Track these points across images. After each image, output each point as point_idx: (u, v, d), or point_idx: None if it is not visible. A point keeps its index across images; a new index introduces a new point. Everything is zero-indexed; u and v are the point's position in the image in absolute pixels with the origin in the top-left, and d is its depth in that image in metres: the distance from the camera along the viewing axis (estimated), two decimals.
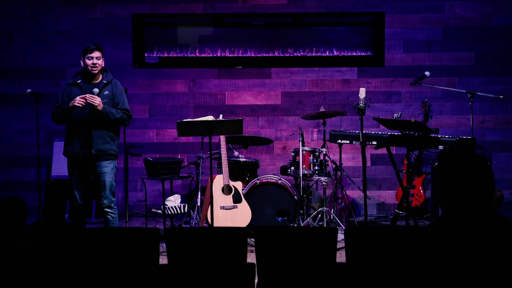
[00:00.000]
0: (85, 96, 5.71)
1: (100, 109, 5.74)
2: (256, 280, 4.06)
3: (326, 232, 4.20)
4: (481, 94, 7.08)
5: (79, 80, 5.87)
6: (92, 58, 5.83)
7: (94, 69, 5.85)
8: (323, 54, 8.13)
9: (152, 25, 8.15)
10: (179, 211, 7.00)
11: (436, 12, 8.09)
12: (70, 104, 5.73)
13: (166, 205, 6.84)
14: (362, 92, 6.23)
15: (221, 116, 6.93)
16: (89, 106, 5.75)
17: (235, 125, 5.72)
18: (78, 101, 5.69)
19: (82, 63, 5.90)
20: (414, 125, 6.16)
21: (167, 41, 8.14)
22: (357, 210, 8.08)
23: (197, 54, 8.13)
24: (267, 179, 6.95)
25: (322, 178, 6.85)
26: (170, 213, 6.84)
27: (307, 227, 6.65)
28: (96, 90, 5.78)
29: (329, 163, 7.06)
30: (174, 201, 7.11)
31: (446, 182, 2.56)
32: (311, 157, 6.88)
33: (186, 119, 5.97)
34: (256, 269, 4.06)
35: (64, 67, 8.12)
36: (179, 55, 8.13)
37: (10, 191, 7.91)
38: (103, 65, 5.93)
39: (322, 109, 7.11)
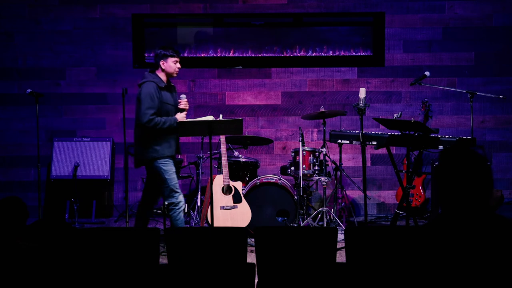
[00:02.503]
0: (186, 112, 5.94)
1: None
2: (256, 280, 4.06)
3: (326, 232, 4.20)
4: (481, 94, 7.08)
5: (163, 84, 5.88)
6: (178, 62, 5.91)
7: (177, 73, 5.94)
8: (323, 54, 8.13)
9: (152, 25, 8.15)
10: None
11: (436, 12, 8.09)
12: (180, 120, 5.81)
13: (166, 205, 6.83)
14: (362, 92, 6.23)
15: (221, 116, 6.92)
16: (174, 110, 5.91)
17: (235, 125, 5.72)
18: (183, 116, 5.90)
19: (163, 64, 5.88)
20: (414, 125, 6.16)
21: (167, 41, 8.13)
22: (357, 210, 8.08)
23: (197, 54, 8.13)
24: (267, 179, 6.95)
25: (322, 178, 6.85)
26: None
27: (307, 227, 6.65)
28: (184, 96, 5.94)
29: (329, 163, 7.06)
30: None
31: (445, 180, 2.57)
32: (311, 157, 6.87)
33: (186, 119, 5.97)
34: (256, 269, 4.06)
35: (64, 67, 8.12)
36: None
37: (10, 191, 7.91)
38: None
39: (322, 109, 7.11)
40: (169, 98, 5.92)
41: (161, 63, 5.89)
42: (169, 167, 5.87)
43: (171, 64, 5.88)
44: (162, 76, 5.92)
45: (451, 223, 2.55)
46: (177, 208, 5.88)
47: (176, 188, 5.88)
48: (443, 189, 2.58)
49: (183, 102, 5.94)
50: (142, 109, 5.74)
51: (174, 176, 5.89)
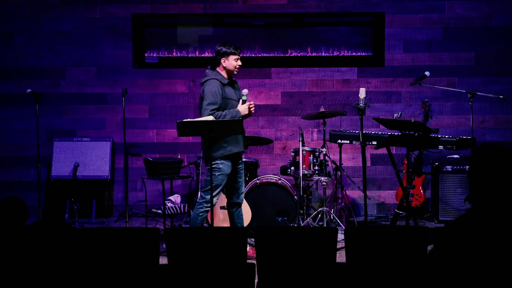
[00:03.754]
0: (252, 108, 5.83)
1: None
2: (256, 280, 4.06)
3: (326, 232, 4.20)
4: (481, 94, 7.08)
5: (226, 80, 5.84)
6: (238, 60, 5.88)
7: (237, 71, 5.91)
8: (323, 54, 8.13)
9: (152, 25, 8.15)
10: (179, 211, 7.00)
11: (436, 12, 8.08)
12: (243, 114, 5.75)
13: (166, 205, 6.84)
14: (362, 92, 6.23)
15: None
16: (237, 105, 5.84)
17: (235, 125, 5.72)
18: (246, 108, 5.80)
19: (224, 62, 5.83)
20: (414, 125, 6.16)
21: (167, 41, 8.13)
22: (357, 210, 8.08)
23: (197, 54, 8.13)
24: (267, 179, 6.95)
25: (322, 178, 6.85)
26: (170, 213, 6.84)
27: (307, 227, 6.65)
28: (246, 90, 5.87)
29: (329, 163, 7.06)
30: (174, 201, 7.11)
31: (481, 177, 2.61)
32: (311, 157, 6.87)
33: (186, 119, 5.96)
34: (256, 269, 4.06)
35: (64, 67, 8.12)
36: (179, 55, 8.13)
37: (10, 191, 7.91)
38: None
39: (322, 109, 7.11)
40: (233, 93, 5.88)
41: (222, 60, 5.84)
42: (225, 167, 5.79)
43: (232, 62, 5.84)
44: (224, 73, 5.87)
45: (485, 220, 2.57)
46: (206, 205, 5.79)
47: (219, 190, 5.79)
48: (477, 186, 2.62)
49: (243, 100, 5.81)
50: (203, 105, 5.71)
51: (225, 178, 5.81)
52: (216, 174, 5.74)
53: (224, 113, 5.72)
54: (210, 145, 5.56)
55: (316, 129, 8.16)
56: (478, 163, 2.65)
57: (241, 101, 5.84)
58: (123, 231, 4.70)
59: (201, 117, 5.72)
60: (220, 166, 5.76)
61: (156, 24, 8.16)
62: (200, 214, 5.80)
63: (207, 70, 5.91)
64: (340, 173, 7.27)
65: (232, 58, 5.84)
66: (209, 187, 5.66)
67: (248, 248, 5.74)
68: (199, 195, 7.04)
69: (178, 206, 6.99)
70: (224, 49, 5.84)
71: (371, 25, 8.12)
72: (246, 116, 5.87)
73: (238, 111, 5.77)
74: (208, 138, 5.51)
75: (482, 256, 2.51)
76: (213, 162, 5.69)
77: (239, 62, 5.89)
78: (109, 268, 4.00)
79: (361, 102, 6.20)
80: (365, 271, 3.96)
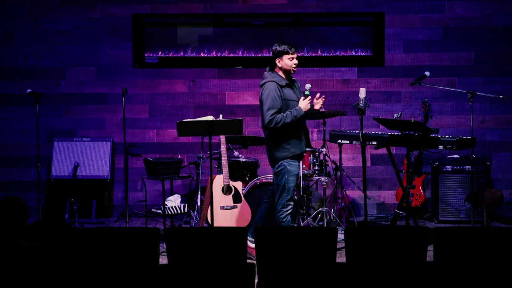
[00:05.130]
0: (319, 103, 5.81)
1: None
2: (256, 280, 4.06)
3: (326, 232, 4.20)
4: (481, 94, 7.07)
5: (285, 82, 5.77)
6: (294, 58, 5.78)
7: (295, 69, 5.82)
8: (323, 54, 8.13)
9: (152, 25, 8.15)
10: (179, 211, 6.99)
11: (436, 12, 8.09)
12: (305, 110, 5.69)
13: (166, 205, 6.84)
14: (362, 92, 6.23)
15: (221, 116, 6.92)
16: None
17: (235, 125, 5.72)
18: (307, 104, 5.73)
19: (279, 62, 5.78)
20: (414, 125, 6.17)
21: (167, 41, 8.13)
22: (357, 210, 8.08)
23: (197, 54, 8.13)
24: (267, 179, 6.95)
25: (322, 178, 6.85)
26: (170, 213, 6.84)
27: (307, 227, 6.65)
28: (309, 85, 5.79)
29: (329, 163, 7.06)
30: (174, 201, 7.11)
31: None
32: (311, 157, 6.87)
33: (186, 119, 5.97)
34: (256, 269, 4.06)
35: (64, 67, 8.12)
36: (179, 55, 8.13)
37: (10, 191, 7.91)
38: None
39: (322, 109, 7.10)
40: (292, 94, 5.80)
41: (277, 61, 5.79)
42: (293, 168, 5.76)
43: (287, 62, 5.76)
44: (281, 74, 5.81)
45: None
46: (284, 210, 5.77)
47: (291, 190, 5.77)
48: None
49: (306, 95, 5.74)
50: (263, 110, 5.65)
51: (294, 178, 5.78)
52: (286, 176, 5.73)
53: (285, 114, 5.64)
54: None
55: (316, 129, 8.16)
56: None
57: (302, 97, 5.78)
58: (123, 231, 4.69)
59: (263, 123, 5.67)
60: (288, 168, 5.73)
61: (156, 24, 8.16)
62: (283, 220, 5.77)
63: (265, 72, 5.86)
64: (340, 173, 7.27)
65: (286, 57, 5.75)
66: (279, 193, 5.73)
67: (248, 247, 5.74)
68: (198, 195, 7.05)
69: (178, 206, 6.99)
70: (278, 49, 5.76)
71: (371, 25, 8.13)
72: (314, 112, 5.85)
73: (299, 108, 5.68)
74: (271, 139, 5.61)
75: None
76: (278, 164, 5.72)
77: (295, 61, 5.78)
78: (109, 268, 4.00)
79: (361, 102, 6.20)
80: (365, 271, 3.96)
